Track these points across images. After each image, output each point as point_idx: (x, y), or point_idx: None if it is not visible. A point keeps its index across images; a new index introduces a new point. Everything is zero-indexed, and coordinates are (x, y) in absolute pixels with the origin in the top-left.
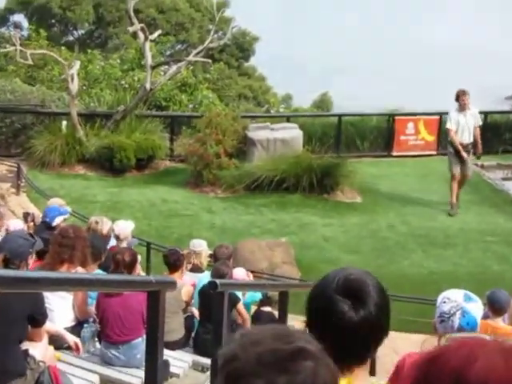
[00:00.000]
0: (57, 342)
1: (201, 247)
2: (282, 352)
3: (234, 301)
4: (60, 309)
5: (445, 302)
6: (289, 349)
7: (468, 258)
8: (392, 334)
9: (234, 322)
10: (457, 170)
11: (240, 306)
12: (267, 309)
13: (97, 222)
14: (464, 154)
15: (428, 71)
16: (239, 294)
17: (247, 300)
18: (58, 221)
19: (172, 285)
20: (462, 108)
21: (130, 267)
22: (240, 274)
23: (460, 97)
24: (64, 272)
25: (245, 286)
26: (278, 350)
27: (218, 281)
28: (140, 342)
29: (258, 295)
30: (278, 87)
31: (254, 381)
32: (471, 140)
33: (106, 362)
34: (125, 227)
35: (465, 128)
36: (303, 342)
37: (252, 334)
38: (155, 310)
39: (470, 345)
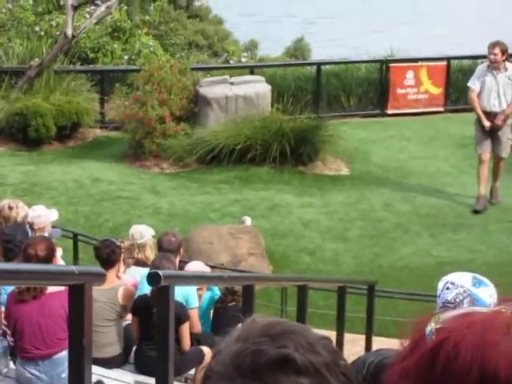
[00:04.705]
0: None
1: (144, 236)
2: (263, 357)
3: (181, 317)
4: None
5: (448, 289)
6: (273, 355)
7: (488, 243)
8: (391, 342)
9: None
10: (483, 149)
11: (193, 316)
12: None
13: (10, 208)
14: (486, 123)
15: (431, 6)
16: (194, 298)
17: (203, 303)
18: None
19: (100, 277)
20: (494, 66)
21: (47, 264)
22: (196, 269)
23: (490, 51)
24: None
25: (197, 279)
26: (259, 352)
27: (161, 272)
28: (65, 357)
29: (217, 292)
30: (240, 33)
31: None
32: (503, 108)
33: None
34: (42, 214)
35: (492, 92)
36: (299, 349)
37: (249, 325)
38: (79, 309)
39: (478, 323)
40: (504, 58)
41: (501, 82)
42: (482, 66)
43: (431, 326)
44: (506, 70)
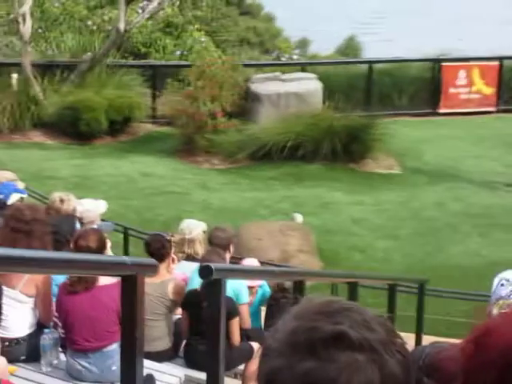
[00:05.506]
0: (11, 352)
1: (194, 231)
2: (318, 333)
3: (231, 312)
4: (17, 315)
5: (503, 285)
6: (328, 330)
7: None
8: (441, 341)
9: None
10: None
11: (244, 311)
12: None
13: (62, 201)
14: None
15: (484, 5)
16: (245, 294)
17: (256, 300)
18: (13, 199)
19: (152, 268)
20: None
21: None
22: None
23: None
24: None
25: (248, 273)
26: (315, 329)
27: (213, 265)
28: (115, 350)
29: (267, 289)
30: (291, 30)
31: (275, 360)
32: None
33: (74, 376)
34: (91, 208)
35: None
36: (354, 326)
37: (305, 303)
38: (131, 300)
39: None
40: None
41: None
42: None
43: (494, 312)
44: None
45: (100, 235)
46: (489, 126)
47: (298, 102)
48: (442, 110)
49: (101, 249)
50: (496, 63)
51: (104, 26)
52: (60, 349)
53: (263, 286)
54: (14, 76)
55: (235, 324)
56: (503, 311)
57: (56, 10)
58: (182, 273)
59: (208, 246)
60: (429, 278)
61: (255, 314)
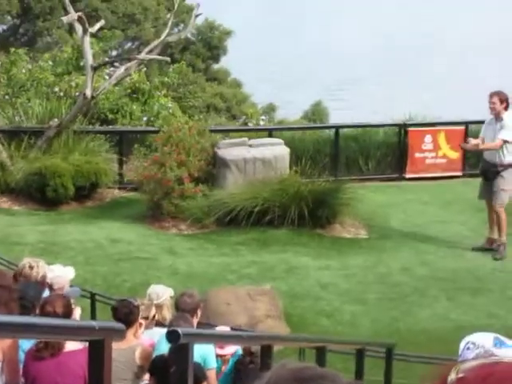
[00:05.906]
0: None
1: (162, 297)
2: None
3: (199, 378)
4: None
5: (469, 349)
6: None
7: (507, 307)
8: None
9: None
10: (481, 196)
11: (211, 376)
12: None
13: (31, 267)
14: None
15: (449, 71)
16: (212, 359)
17: (228, 368)
18: None
19: (120, 333)
20: (493, 114)
21: None
22: None
23: (488, 100)
24: None
25: (216, 338)
26: None
27: (180, 329)
28: None
29: (239, 353)
30: (258, 96)
31: None
32: (492, 159)
33: None
34: (61, 274)
35: (486, 140)
36: None
37: (278, 369)
38: (98, 364)
39: (495, 375)
40: (503, 106)
41: (491, 130)
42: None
43: (451, 377)
44: (501, 118)
45: (66, 301)
46: (455, 190)
47: (265, 168)
48: (408, 175)
49: (67, 314)
50: (462, 128)
51: (71, 92)
52: None
53: (236, 356)
54: None
55: (211, 377)
56: (460, 376)
57: (23, 76)
58: (149, 338)
59: (175, 312)
60: (396, 342)
61: (225, 382)
